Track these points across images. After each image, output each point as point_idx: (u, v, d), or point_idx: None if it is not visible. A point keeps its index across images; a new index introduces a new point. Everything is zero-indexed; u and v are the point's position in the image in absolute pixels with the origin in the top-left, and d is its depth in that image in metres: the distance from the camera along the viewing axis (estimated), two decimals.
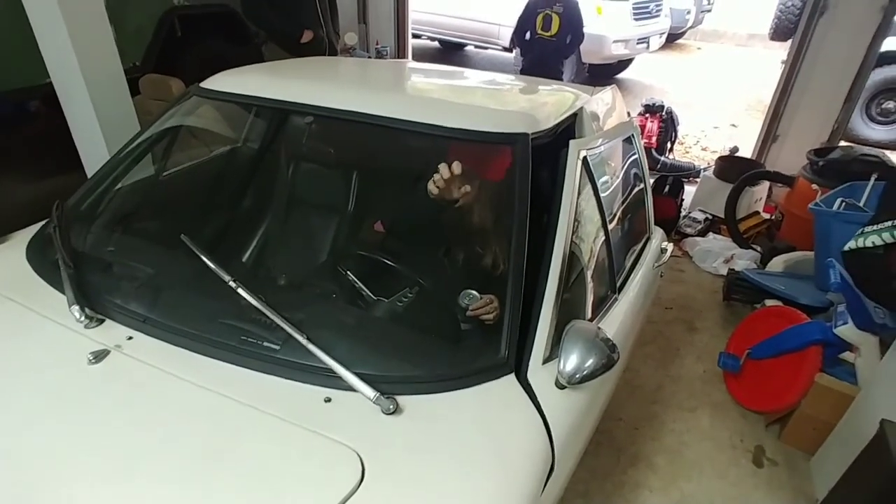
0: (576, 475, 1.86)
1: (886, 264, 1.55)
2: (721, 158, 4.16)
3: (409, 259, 1.44)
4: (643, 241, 1.86)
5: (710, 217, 3.85)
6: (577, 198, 1.32)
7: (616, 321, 1.42)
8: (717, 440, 2.23)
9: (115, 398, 1.02)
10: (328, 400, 1.00)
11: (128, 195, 1.65)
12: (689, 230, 3.76)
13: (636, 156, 1.93)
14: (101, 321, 1.18)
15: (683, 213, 3.95)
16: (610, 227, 1.50)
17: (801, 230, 3.18)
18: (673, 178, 3.98)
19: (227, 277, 1.18)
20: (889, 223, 1.61)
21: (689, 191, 4.20)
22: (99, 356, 1.08)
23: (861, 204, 2.58)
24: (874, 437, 1.61)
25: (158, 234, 1.50)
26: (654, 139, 4.55)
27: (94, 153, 2.52)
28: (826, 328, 2.04)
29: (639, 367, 2.56)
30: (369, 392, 0.97)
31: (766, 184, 3.92)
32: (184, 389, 1.03)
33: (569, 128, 1.47)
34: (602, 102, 1.76)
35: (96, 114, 2.42)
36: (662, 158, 4.59)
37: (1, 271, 1.35)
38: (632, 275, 1.64)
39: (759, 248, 3.46)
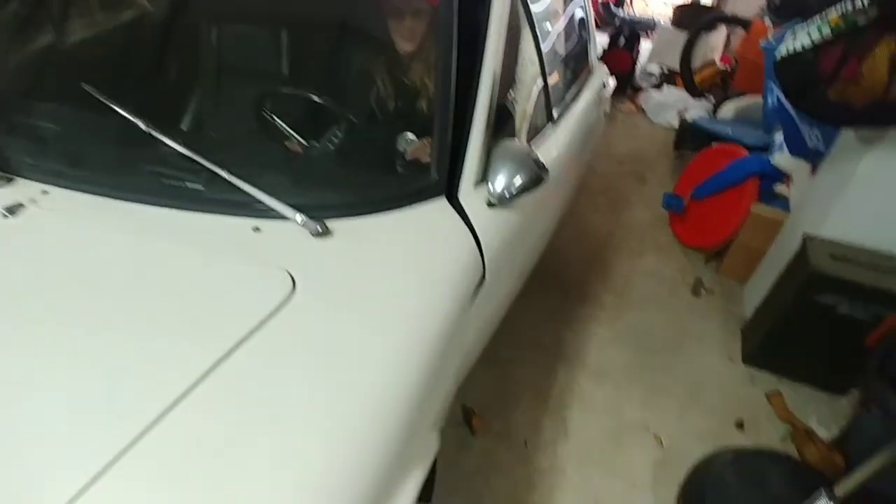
0: (527, 317, 1.99)
1: (817, 69, 1.52)
2: (679, 6, 3.99)
3: (339, 100, 1.37)
4: (584, 74, 1.81)
5: (667, 71, 3.78)
6: (508, 19, 1.24)
7: (552, 149, 1.42)
8: (660, 278, 2.38)
9: (37, 249, 0.98)
10: (257, 229, 0.99)
11: (24, 61, 1.49)
12: (644, 84, 3.71)
13: None
14: (10, 180, 1.11)
15: (639, 67, 3.87)
16: (545, 53, 1.44)
17: (754, 77, 3.15)
18: (629, 31, 3.83)
19: (139, 122, 1.11)
20: (817, 18, 1.55)
21: (647, 47, 4.07)
22: (13, 210, 1.03)
23: None
24: (797, 251, 1.74)
25: (60, 89, 1.38)
26: None
27: None
28: (764, 160, 2.11)
29: (590, 217, 2.64)
30: (296, 215, 0.97)
31: (724, 32, 3.81)
32: (108, 233, 0.99)
33: None
34: None
35: None
36: (619, 13, 4.38)
37: None
38: (570, 106, 1.61)
39: (712, 98, 3.45)
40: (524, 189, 1.08)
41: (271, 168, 1.13)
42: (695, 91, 3.48)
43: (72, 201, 1.07)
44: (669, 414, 1.75)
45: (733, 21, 3.50)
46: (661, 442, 1.66)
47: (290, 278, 0.90)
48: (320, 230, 0.97)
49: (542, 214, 1.41)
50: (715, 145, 2.62)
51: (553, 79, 1.48)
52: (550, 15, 1.56)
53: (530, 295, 1.64)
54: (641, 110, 3.49)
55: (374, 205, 1.05)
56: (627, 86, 3.64)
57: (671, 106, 3.37)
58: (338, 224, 1.01)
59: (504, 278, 1.21)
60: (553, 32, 1.57)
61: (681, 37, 3.63)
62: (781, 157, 2.01)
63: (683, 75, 3.51)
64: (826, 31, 1.55)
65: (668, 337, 2.08)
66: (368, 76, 1.45)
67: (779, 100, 1.87)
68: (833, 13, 1.55)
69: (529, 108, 1.36)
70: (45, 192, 1.09)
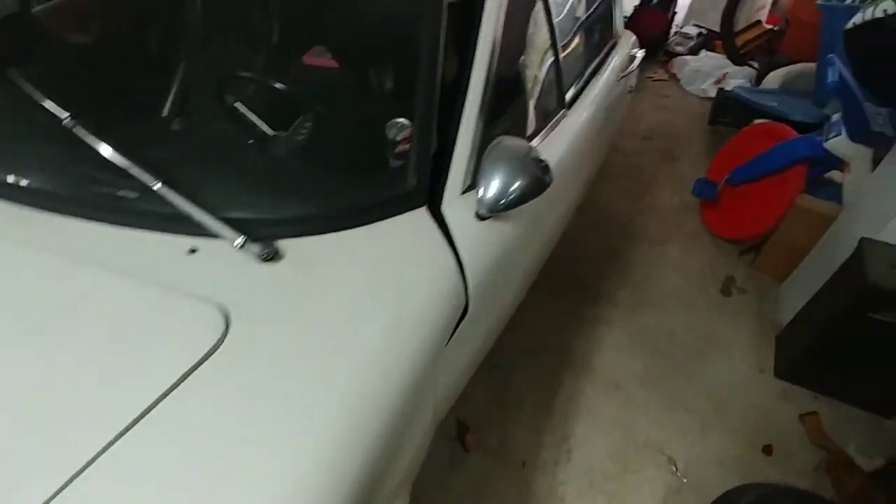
0: (530, 316, 1.80)
1: None
2: None
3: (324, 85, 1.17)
4: (606, 46, 1.55)
5: (705, 32, 3.40)
6: None
7: (564, 142, 1.20)
8: (685, 272, 2.16)
9: None
10: (193, 251, 0.83)
11: None
12: (679, 49, 3.35)
13: None
14: None
15: (674, 29, 3.50)
16: (556, 25, 1.20)
17: (806, 41, 2.80)
18: None
19: (63, 115, 0.94)
20: None
21: (684, 5, 3.68)
22: None
23: None
24: (850, 256, 1.50)
25: None
26: None
27: None
28: (816, 143, 1.83)
29: (608, 200, 2.40)
30: (235, 237, 0.79)
31: None
32: (23, 252, 0.85)
33: None
34: None
35: None
36: None
37: None
38: (588, 87, 1.37)
39: (756, 65, 3.09)
40: (522, 198, 0.88)
41: (219, 172, 0.96)
42: (736, 57, 3.12)
43: None
44: (688, 433, 1.57)
45: None
46: (677, 467, 1.49)
47: (223, 318, 0.74)
48: (267, 254, 0.80)
49: (545, 223, 1.20)
50: (757, 123, 2.32)
51: (567, 55, 1.25)
52: None
53: (534, 290, 1.46)
54: (674, 78, 3.16)
55: (335, 221, 0.87)
56: (660, 50, 3.29)
57: (708, 73, 3.03)
58: (290, 244, 0.84)
59: (494, 306, 1.02)
60: None
61: None
62: (838, 142, 1.73)
63: (724, 37, 3.13)
64: None
65: (692, 342, 1.87)
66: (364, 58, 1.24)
67: (840, 75, 1.58)
68: None
69: (536, 93, 1.14)
70: None
